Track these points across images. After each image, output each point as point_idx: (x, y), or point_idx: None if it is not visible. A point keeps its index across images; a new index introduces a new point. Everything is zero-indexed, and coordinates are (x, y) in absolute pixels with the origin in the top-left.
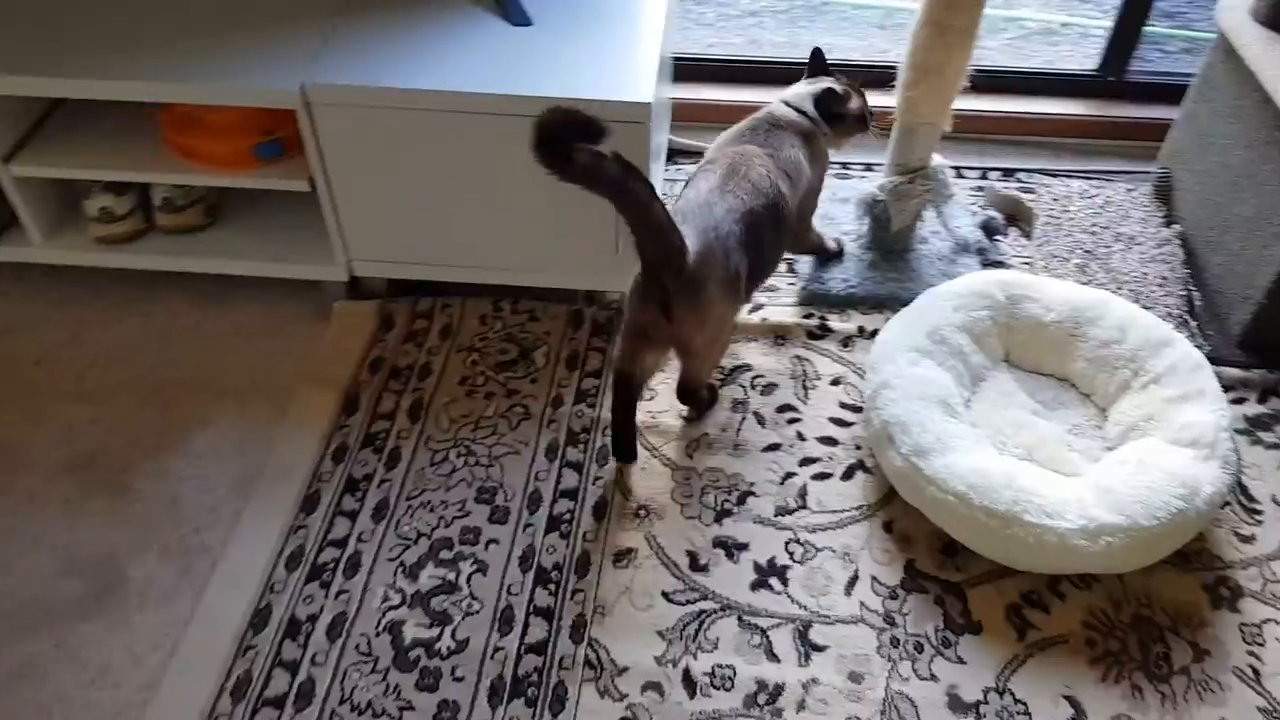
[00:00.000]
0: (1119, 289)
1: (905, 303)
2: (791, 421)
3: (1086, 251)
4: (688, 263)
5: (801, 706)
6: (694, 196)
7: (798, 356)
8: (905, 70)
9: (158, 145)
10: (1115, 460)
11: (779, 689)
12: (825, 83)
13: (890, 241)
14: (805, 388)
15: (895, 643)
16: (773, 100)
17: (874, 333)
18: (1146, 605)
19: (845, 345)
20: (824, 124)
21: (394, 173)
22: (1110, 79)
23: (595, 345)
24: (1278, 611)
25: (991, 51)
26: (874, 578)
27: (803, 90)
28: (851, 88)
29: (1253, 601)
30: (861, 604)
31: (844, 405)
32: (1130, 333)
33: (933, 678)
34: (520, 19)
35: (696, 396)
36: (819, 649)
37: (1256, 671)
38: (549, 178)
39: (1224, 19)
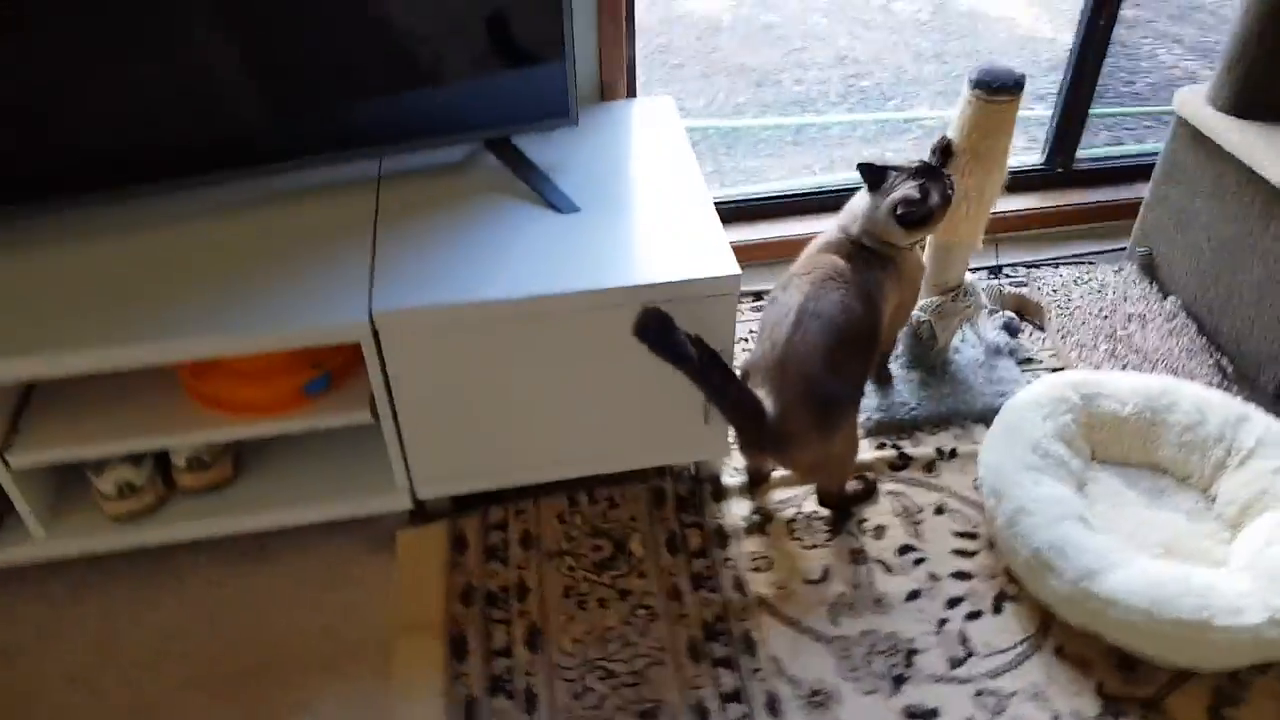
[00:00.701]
0: (1153, 367)
1: (968, 417)
2: (918, 562)
3: (1109, 336)
4: (769, 424)
5: None
6: (769, 335)
7: (891, 492)
8: None
9: (177, 399)
10: (1257, 542)
11: None
12: (900, 191)
13: (932, 358)
14: (914, 523)
15: None
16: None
17: (952, 453)
18: None
19: (930, 470)
20: (901, 234)
21: (465, 387)
22: (1059, 170)
23: (687, 521)
24: None
25: None
26: (1076, 713)
27: (865, 207)
28: (920, 173)
29: None
30: None
31: (959, 534)
32: (1208, 413)
33: None
34: (567, 205)
35: (840, 501)
36: None
37: None
38: (630, 364)
39: (1184, 108)
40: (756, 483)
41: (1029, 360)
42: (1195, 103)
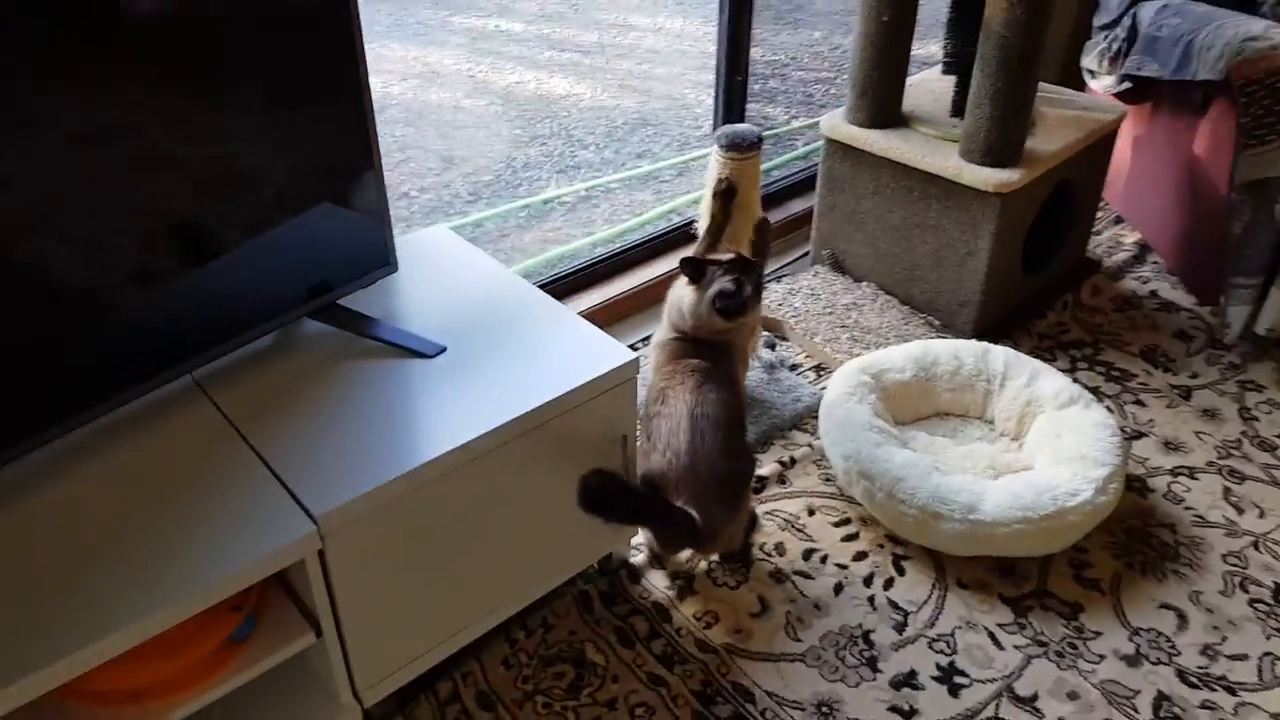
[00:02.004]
0: (886, 340)
1: (783, 428)
2: (823, 560)
3: (842, 326)
4: (700, 530)
5: None
6: (667, 446)
7: (766, 513)
8: (708, 246)
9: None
10: (1047, 440)
11: None
12: (717, 285)
13: None
14: (799, 529)
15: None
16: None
17: (791, 461)
18: None
19: (783, 482)
20: (723, 323)
21: (404, 565)
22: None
23: (623, 613)
24: None
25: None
26: (1000, 624)
27: (690, 302)
28: (734, 266)
29: None
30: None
31: (836, 524)
32: (962, 357)
33: None
34: (431, 348)
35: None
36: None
37: None
38: (544, 479)
39: (832, 131)
40: (660, 556)
41: (795, 366)
42: (839, 125)
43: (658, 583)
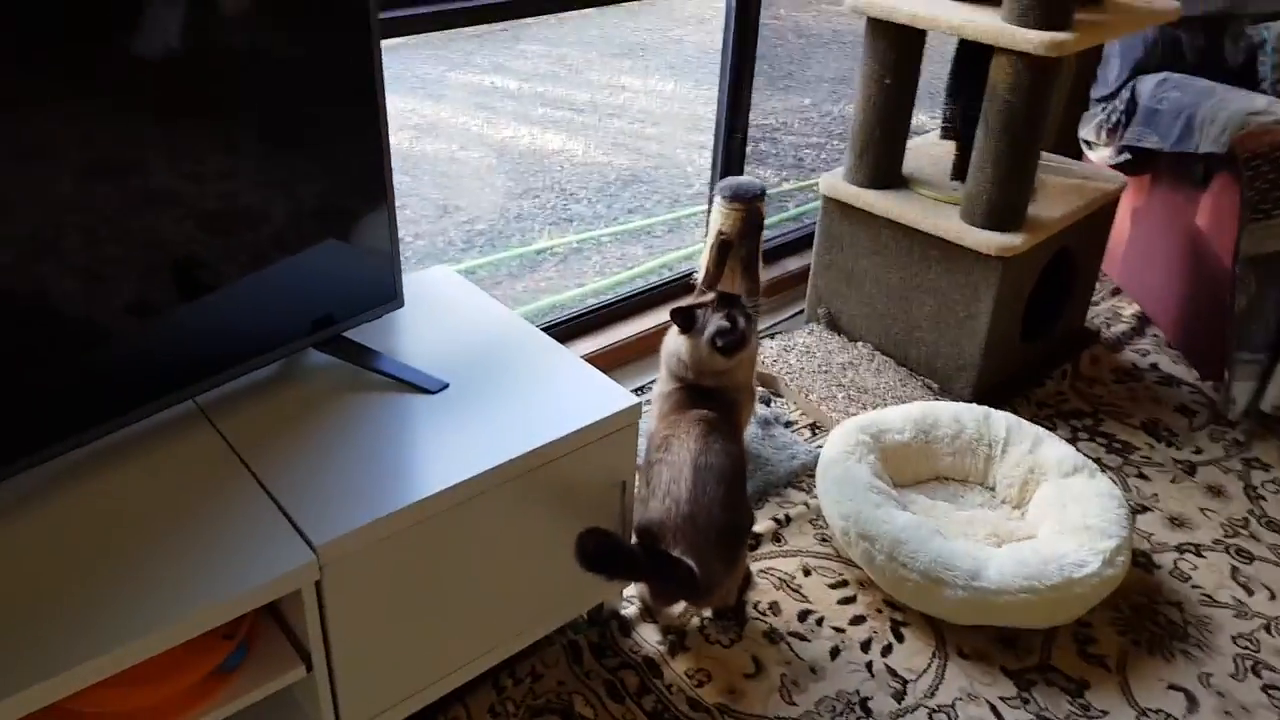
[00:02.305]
0: (882, 400)
1: (778, 485)
2: (819, 622)
3: (838, 385)
4: (697, 583)
5: None
6: (667, 494)
7: (761, 571)
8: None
9: None
10: (1052, 508)
11: None
12: (713, 325)
13: None
14: (795, 589)
15: None
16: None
17: (787, 518)
18: None
19: (778, 541)
20: (724, 361)
21: (398, 602)
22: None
23: (612, 665)
24: None
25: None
26: (1002, 698)
27: (688, 349)
28: (721, 304)
29: None
30: None
31: (833, 585)
32: (963, 421)
33: None
34: (433, 384)
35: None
36: None
37: None
38: (540, 522)
39: (831, 191)
40: (653, 608)
41: (790, 423)
42: (838, 184)
43: (649, 636)
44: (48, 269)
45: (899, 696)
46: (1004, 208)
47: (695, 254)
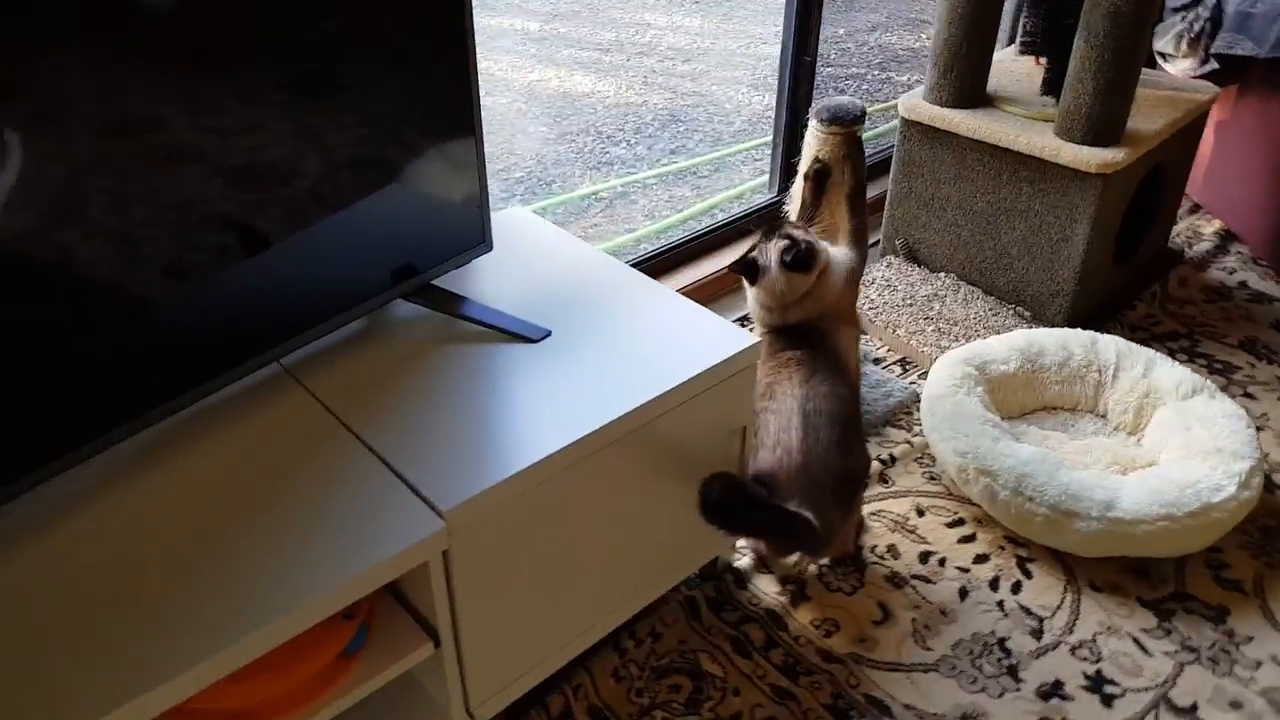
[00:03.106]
0: (974, 331)
1: (875, 425)
2: (942, 563)
3: (926, 318)
4: (817, 535)
5: None
6: (778, 443)
7: (873, 514)
8: None
9: None
10: (1175, 432)
11: None
12: (773, 251)
13: None
14: (911, 531)
15: None
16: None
17: (891, 459)
18: None
19: (885, 482)
20: (803, 279)
21: (523, 567)
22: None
23: (734, 620)
24: None
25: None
26: (1143, 629)
27: (766, 292)
28: (769, 232)
29: None
30: None
31: (950, 524)
32: (1070, 347)
33: None
34: (536, 332)
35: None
36: None
37: None
38: (662, 474)
39: (911, 112)
40: (767, 559)
41: (878, 360)
42: (919, 105)
43: (767, 588)
44: (112, 227)
45: (1036, 634)
46: (1105, 121)
47: (745, 192)
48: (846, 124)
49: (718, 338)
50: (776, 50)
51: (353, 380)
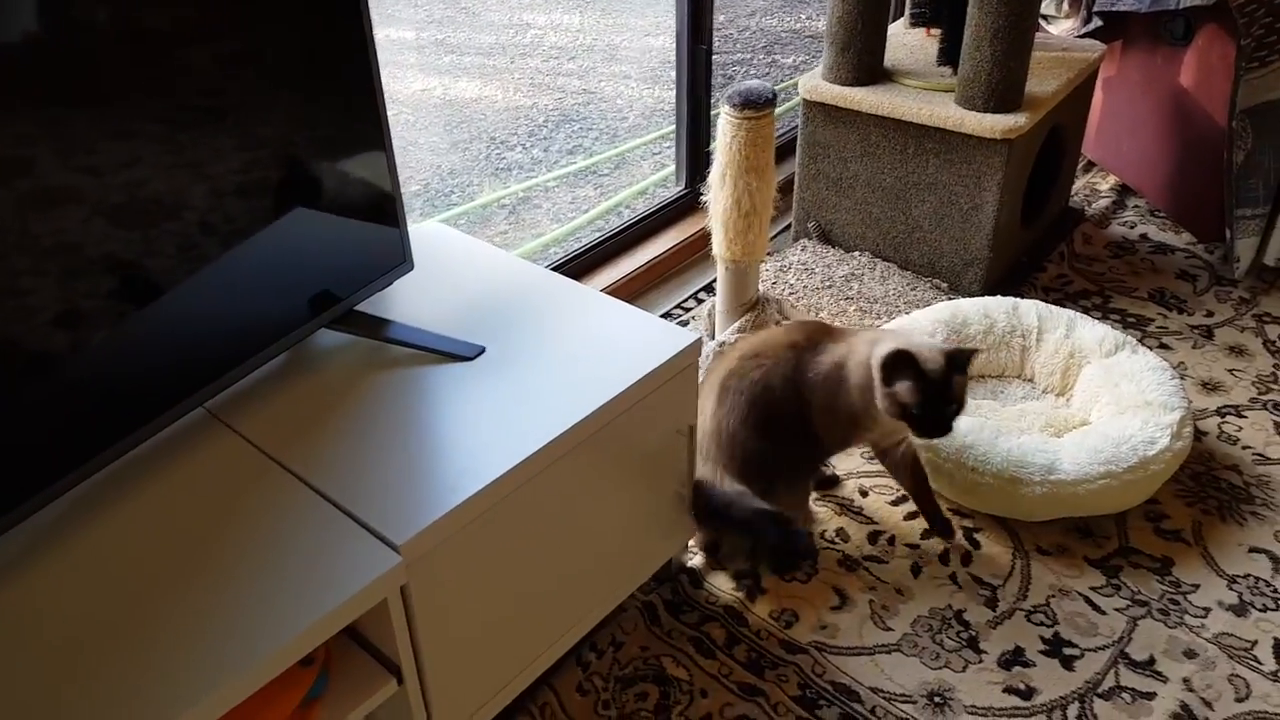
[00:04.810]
0: (896, 309)
1: None
2: (891, 541)
3: (846, 298)
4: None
5: None
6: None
7: (816, 499)
8: (733, 220)
9: None
10: (1104, 390)
11: None
12: (896, 342)
13: None
14: (856, 512)
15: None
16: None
17: None
18: None
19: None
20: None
21: (480, 593)
22: (701, 189)
23: (692, 621)
24: None
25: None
26: (1093, 588)
27: (875, 344)
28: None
29: None
30: None
31: (893, 503)
32: (992, 315)
33: None
34: (469, 349)
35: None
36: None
37: None
38: (610, 481)
39: (812, 93)
40: (712, 549)
41: None
42: (820, 85)
43: (722, 585)
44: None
45: (991, 604)
46: (1005, 87)
47: (648, 187)
48: (759, 107)
49: (657, 338)
50: (659, 42)
51: (283, 417)
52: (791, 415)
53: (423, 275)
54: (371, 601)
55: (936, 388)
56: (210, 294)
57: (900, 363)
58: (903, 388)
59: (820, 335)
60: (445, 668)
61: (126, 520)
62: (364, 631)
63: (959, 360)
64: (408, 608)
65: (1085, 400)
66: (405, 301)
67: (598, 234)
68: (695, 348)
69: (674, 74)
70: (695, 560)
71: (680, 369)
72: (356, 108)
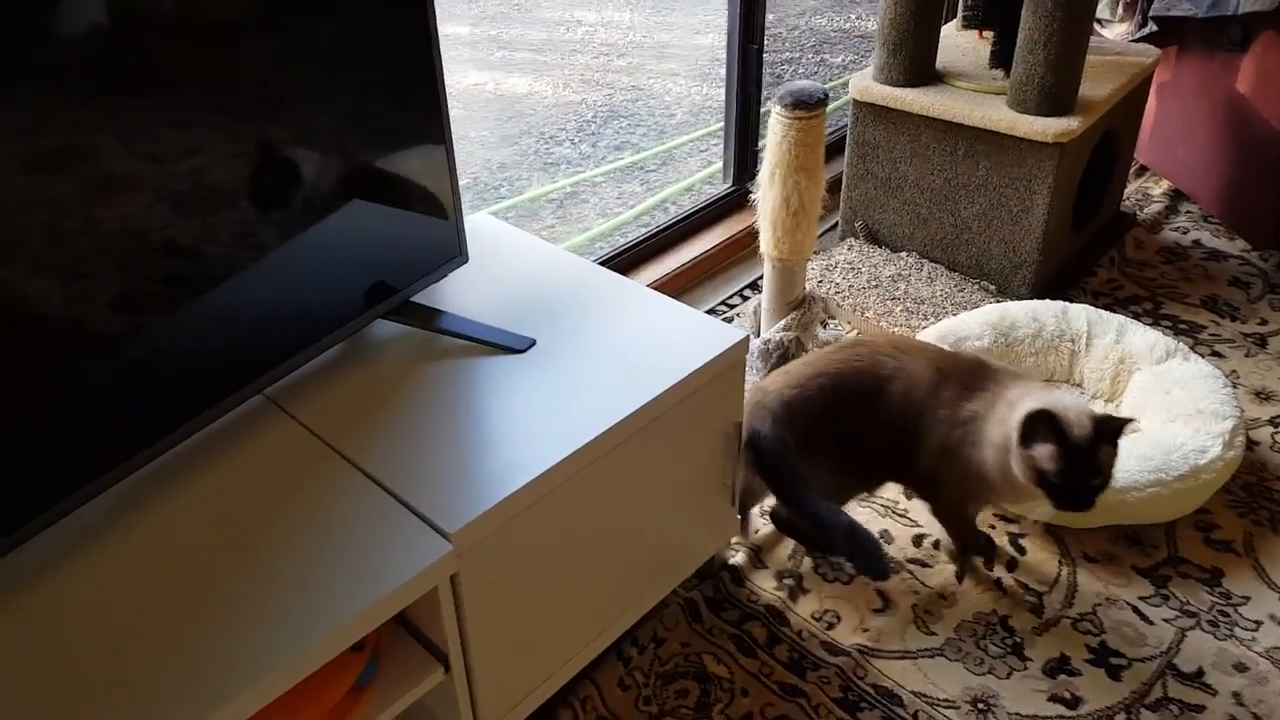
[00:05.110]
0: (942, 310)
1: None
2: (936, 545)
3: (893, 298)
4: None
5: None
6: None
7: (863, 499)
8: (781, 218)
9: None
10: (1154, 396)
11: None
12: (1040, 401)
13: None
14: (900, 514)
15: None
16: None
17: None
18: None
19: None
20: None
21: (528, 584)
22: (749, 187)
23: (734, 619)
24: None
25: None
26: (1141, 597)
27: (1018, 401)
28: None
29: None
30: None
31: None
32: (1041, 319)
33: None
34: (520, 342)
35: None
36: None
37: None
38: (658, 473)
39: (863, 94)
40: (758, 549)
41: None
42: (870, 86)
43: (764, 584)
44: (57, 263)
45: (1037, 610)
46: (1058, 91)
47: (695, 184)
48: (811, 107)
49: (706, 334)
50: (709, 40)
51: (341, 405)
52: (873, 431)
53: (473, 267)
54: (423, 589)
55: (1081, 455)
56: (271, 283)
57: (1042, 424)
58: (1043, 452)
59: (974, 375)
60: (491, 658)
61: (186, 505)
62: (414, 620)
63: (1110, 428)
64: (457, 597)
65: (1135, 407)
66: (456, 293)
67: (644, 229)
68: (743, 345)
69: (722, 72)
70: (738, 558)
71: (728, 365)
72: (419, 102)
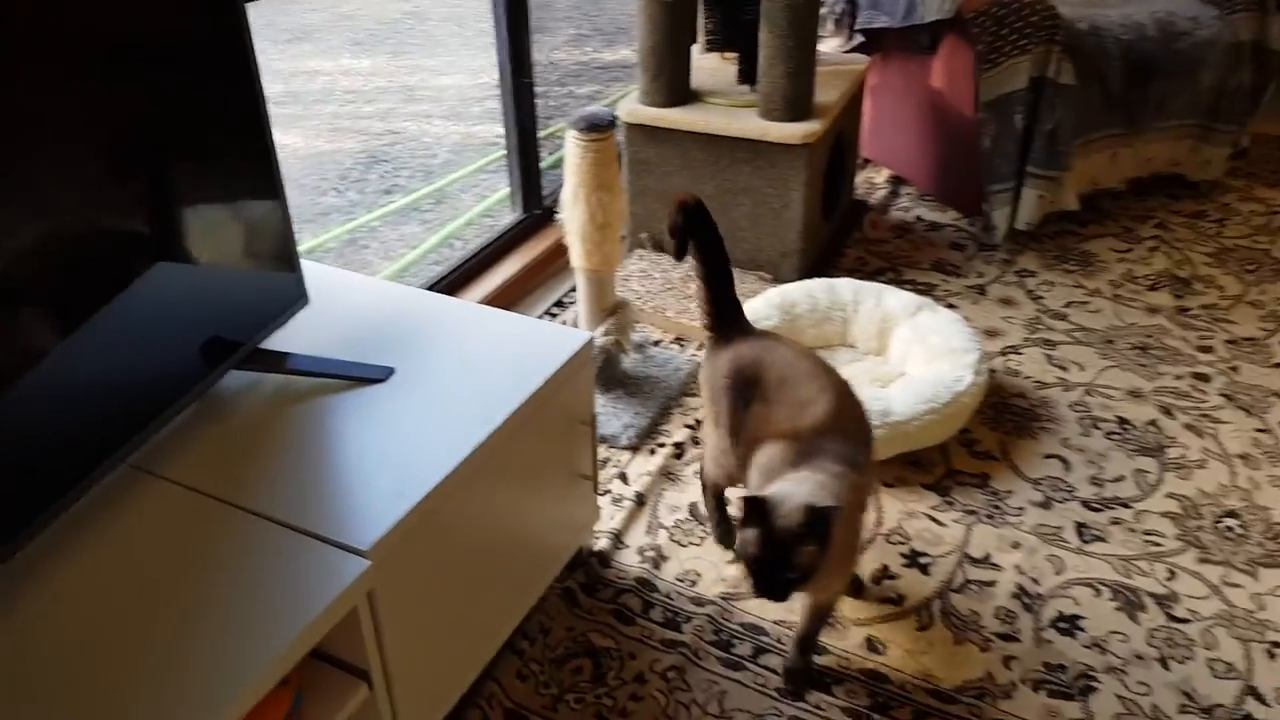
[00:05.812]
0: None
1: (674, 397)
2: None
3: (687, 297)
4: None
5: None
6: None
7: (696, 473)
8: (589, 233)
9: None
10: (917, 344)
11: None
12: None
13: (620, 373)
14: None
15: None
16: None
17: (698, 423)
18: None
19: (698, 444)
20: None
21: (429, 598)
22: (538, 211)
23: (607, 596)
24: None
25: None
26: (934, 507)
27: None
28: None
29: None
30: None
31: None
32: (814, 295)
33: None
34: (380, 372)
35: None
36: None
37: None
38: (535, 465)
39: (632, 116)
40: (618, 533)
41: (657, 342)
42: (638, 109)
43: (629, 560)
44: None
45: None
46: (798, 100)
47: (474, 219)
48: (602, 129)
49: (553, 341)
50: (455, 80)
51: (213, 458)
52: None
53: (310, 310)
54: (346, 608)
55: (779, 546)
56: (102, 357)
57: (754, 509)
58: (748, 536)
59: (812, 447)
60: (408, 669)
61: (81, 583)
62: (328, 648)
63: (819, 523)
64: (374, 613)
65: (901, 356)
66: (302, 335)
67: (437, 265)
68: (589, 346)
69: (475, 110)
70: (601, 543)
71: (579, 365)
72: (250, 158)
